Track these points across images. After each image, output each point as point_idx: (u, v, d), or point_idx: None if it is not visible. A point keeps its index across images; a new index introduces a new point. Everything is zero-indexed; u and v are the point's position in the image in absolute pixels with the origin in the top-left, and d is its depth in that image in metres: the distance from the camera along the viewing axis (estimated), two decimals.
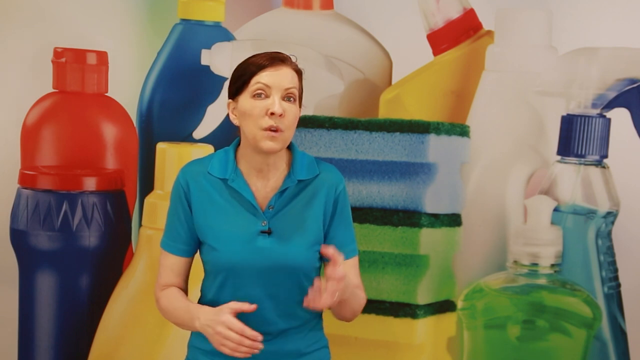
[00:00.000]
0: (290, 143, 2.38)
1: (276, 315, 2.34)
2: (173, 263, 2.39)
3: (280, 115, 2.26)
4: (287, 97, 2.29)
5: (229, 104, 2.34)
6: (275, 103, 2.27)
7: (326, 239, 2.38)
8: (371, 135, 2.99)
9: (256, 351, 2.23)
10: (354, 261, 2.41)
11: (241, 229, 2.32)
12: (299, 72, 2.33)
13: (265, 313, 2.33)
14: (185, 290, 2.41)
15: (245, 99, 2.30)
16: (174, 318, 2.36)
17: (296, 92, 2.30)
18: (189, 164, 2.39)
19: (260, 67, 2.29)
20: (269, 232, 2.32)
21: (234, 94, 2.33)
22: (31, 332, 3.17)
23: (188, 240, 2.37)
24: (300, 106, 2.35)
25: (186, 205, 2.35)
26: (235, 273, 2.32)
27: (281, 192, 2.33)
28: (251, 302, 2.31)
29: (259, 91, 2.28)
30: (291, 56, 2.35)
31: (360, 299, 2.39)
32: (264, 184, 2.34)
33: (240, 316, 2.30)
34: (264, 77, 2.28)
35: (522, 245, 2.88)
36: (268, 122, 2.27)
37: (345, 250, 2.38)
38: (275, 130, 2.27)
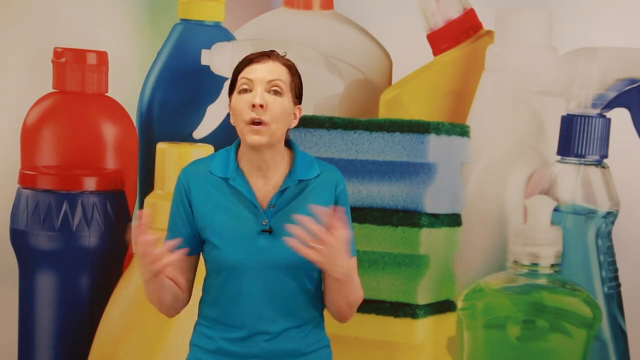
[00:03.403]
0: (291, 142, 2.39)
1: (277, 314, 2.34)
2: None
3: (262, 107, 2.27)
4: (272, 89, 2.30)
5: (228, 105, 2.36)
6: (256, 94, 2.28)
7: None
8: (371, 135, 3.00)
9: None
10: (353, 261, 2.42)
11: (242, 228, 2.32)
12: (289, 67, 2.34)
13: (266, 311, 2.33)
14: (182, 285, 2.39)
15: (234, 96, 2.33)
16: (146, 292, 2.34)
17: (283, 84, 2.30)
18: (191, 164, 2.39)
19: (246, 64, 2.32)
20: (269, 231, 2.32)
21: (229, 94, 2.35)
22: (31, 332, 3.17)
23: (189, 239, 2.37)
24: (296, 102, 2.34)
25: (187, 205, 2.36)
26: (237, 271, 2.32)
27: (282, 192, 2.34)
28: (253, 301, 2.32)
29: (244, 86, 2.30)
30: (283, 53, 2.37)
31: (358, 291, 2.37)
32: (265, 183, 2.35)
33: (241, 314, 2.32)
34: (248, 72, 2.31)
35: (522, 245, 2.88)
36: (250, 114, 2.28)
37: None
38: (259, 124, 2.27)
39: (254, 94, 2.28)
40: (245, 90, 2.30)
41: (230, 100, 2.35)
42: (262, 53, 2.33)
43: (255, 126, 2.28)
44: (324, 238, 2.21)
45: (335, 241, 2.22)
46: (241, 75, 2.31)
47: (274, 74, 2.30)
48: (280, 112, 2.30)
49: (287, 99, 2.31)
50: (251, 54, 2.34)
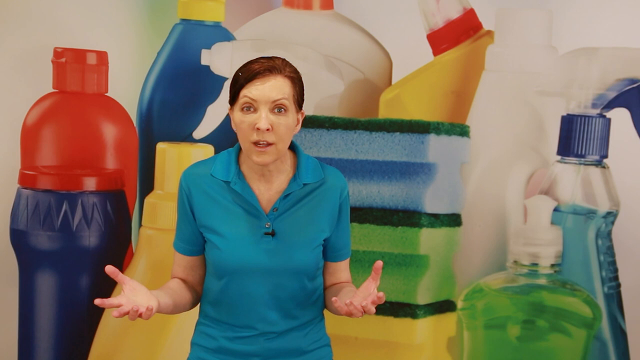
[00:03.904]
0: (295, 146, 2.38)
1: (279, 315, 2.34)
2: (181, 259, 2.41)
3: (268, 130, 2.25)
4: (276, 108, 2.27)
5: (229, 110, 2.34)
6: (261, 118, 2.25)
7: (327, 242, 2.38)
8: (371, 135, 2.99)
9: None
10: (348, 261, 2.45)
11: (245, 231, 2.32)
12: (292, 78, 2.29)
13: (268, 313, 2.34)
14: (194, 283, 2.41)
15: (236, 111, 2.29)
16: None
17: (287, 102, 2.27)
18: (192, 167, 2.38)
19: (248, 80, 2.27)
20: (272, 234, 2.32)
21: (230, 102, 2.33)
22: (31, 332, 3.17)
23: (194, 240, 2.38)
24: (298, 111, 2.33)
25: (188, 208, 2.36)
26: (239, 274, 2.32)
27: (285, 195, 2.33)
28: (254, 303, 2.33)
29: (247, 105, 2.27)
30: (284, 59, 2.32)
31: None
32: (268, 187, 2.34)
33: (243, 315, 2.33)
34: (250, 91, 2.26)
35: (522, 245, 2.88)
36: (255, 137, 2.26)
37: (343, 252, 2.42)
38: (265, 145, 2.26)
39: (259, 117, 2.25)
40: (248, 109, 2.27)
41: (231, 110, 2.32)
42: (264, 66, 2.27)
43: (260, 147, 2.27)
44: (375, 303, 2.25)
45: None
46: (244, 92, 2.27)
47: (278, 92, 2.26)
48: (286, 130, 2.28)
49: (291, 114, 2.29)
50: (253, 65, 2.28)
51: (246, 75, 2.27)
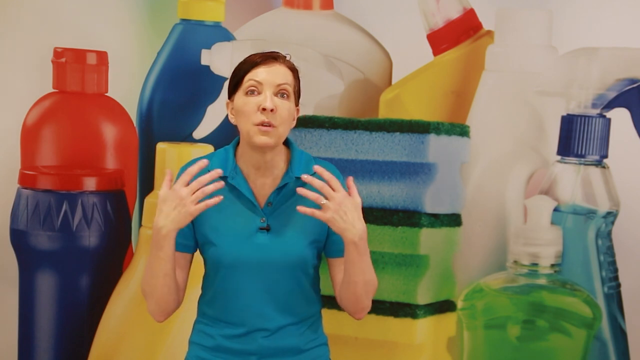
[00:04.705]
0: (289, 141, 2.40)
1: (275, 311, 2.35)
2: None
3: (272, 111, 2.29)
4: (280, 93, 2.31)
5: (227, 104, 2.37)
6: (266, 98, 2.29)
7: (328, 236, 2.38)
8: (371, 135, 3.00)
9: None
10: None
11: (240, 226, 2.33)
12: (293, 70, 2.35)
13: (264, 309, 2.35)
14: (179, 282, 2.37)
15: (239, 96, 2.33)
16: (149, 272, 2.32)
17: (289, 88, 2.32)
18: (189, 163, 2.39)
19: (253, 65, 2.32)
20: (267, 229, 2.33)
21: (231, 93, 2.36)
22: (31, 332, 3.17)
23: (187, 235, 2.38)
24: (297, 104, 2.36)
25: None
26: (235, 269, 2.33)
27: (279, 189, 2.35)
28: (251, 298, 2.34)
29: (252, 88, 2.31)
30: (286, 55, 2.37)
31: (372, 269, 2.37)
32: (263, 182, 2.36)
33: (239, 311, 2.33)
34: (256, 74, 2.31)
35: (522, 245, 2.88)
36: (260, 117, 2.29)
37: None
38: (268, 125, 2.28)
39: (264, 98, 2.29)
40: (252, 92, 2.31)
41: (231, 100, 2.35)
42: (268, 55, 2.34)
43: (264, 127, 2.29)
44: (329, 193, 2.24)
45: (342, 197, 2.25)
46: (248, 76, 2.32)
47: (282, 77, 2.31)
48: (287, 115, 2.32)
49: (292, 102, 2.34)
50: (256, 55, 2.34)
51: (252, 61, 2.33)
